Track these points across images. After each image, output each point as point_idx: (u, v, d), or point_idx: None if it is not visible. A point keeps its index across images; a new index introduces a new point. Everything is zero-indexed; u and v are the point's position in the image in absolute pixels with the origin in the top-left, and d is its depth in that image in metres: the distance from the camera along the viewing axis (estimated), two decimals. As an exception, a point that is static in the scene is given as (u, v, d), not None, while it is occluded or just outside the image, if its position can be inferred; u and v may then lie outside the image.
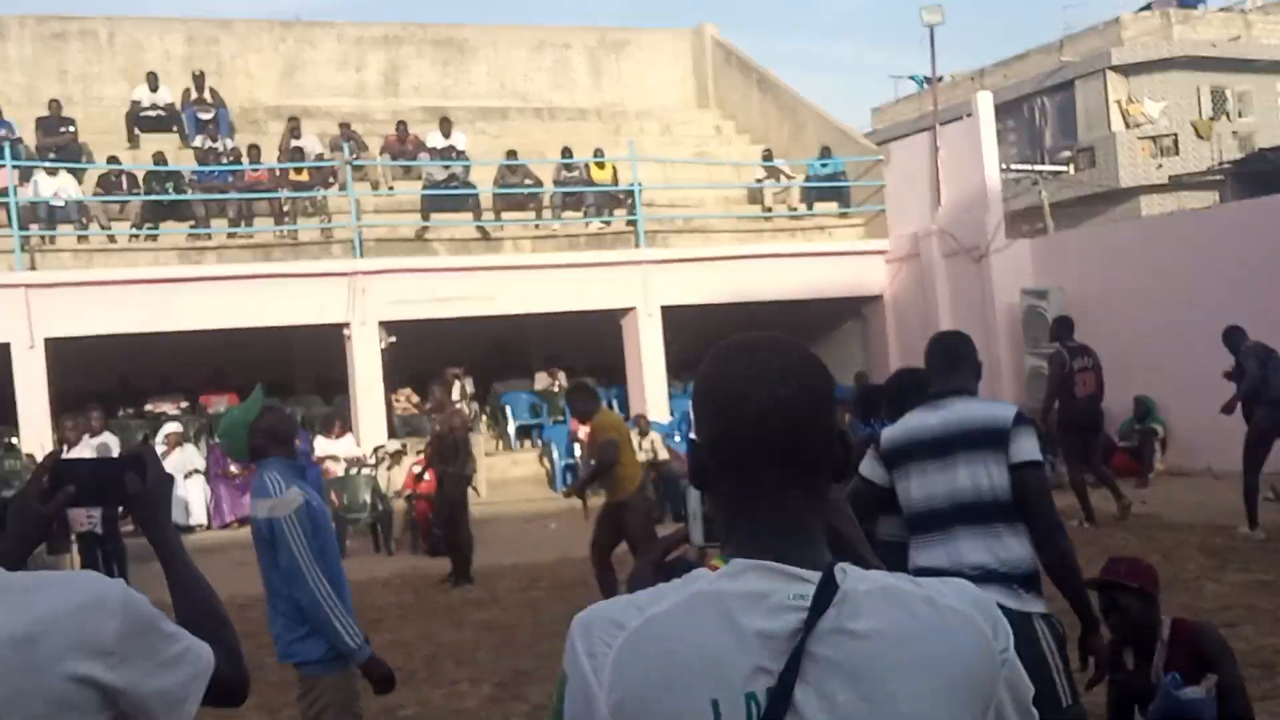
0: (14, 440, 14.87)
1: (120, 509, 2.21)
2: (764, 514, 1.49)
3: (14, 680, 1.66)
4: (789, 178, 18.83)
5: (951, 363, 3.95)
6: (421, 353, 16.21)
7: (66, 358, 14.87)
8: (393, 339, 15.85)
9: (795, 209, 18.62)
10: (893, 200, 18.02)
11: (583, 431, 15.89)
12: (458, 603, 10.01)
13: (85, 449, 11.01)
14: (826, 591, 1.41)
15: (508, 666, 7.65)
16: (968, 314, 16.04)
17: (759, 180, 18.72)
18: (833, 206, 18.69)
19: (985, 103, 17.06)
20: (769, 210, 18.60)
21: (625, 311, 16.86)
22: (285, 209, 16.50)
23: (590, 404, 9.31)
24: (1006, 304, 16.32)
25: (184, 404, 17.47)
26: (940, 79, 19.88)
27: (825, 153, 18.69)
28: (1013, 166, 25.33)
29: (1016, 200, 24.00)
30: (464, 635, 8.72)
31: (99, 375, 16.00)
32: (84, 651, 1.72)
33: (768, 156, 18.86)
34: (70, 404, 14.50)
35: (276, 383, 17.83)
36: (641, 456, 14.28)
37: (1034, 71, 29.92)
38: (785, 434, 1.48)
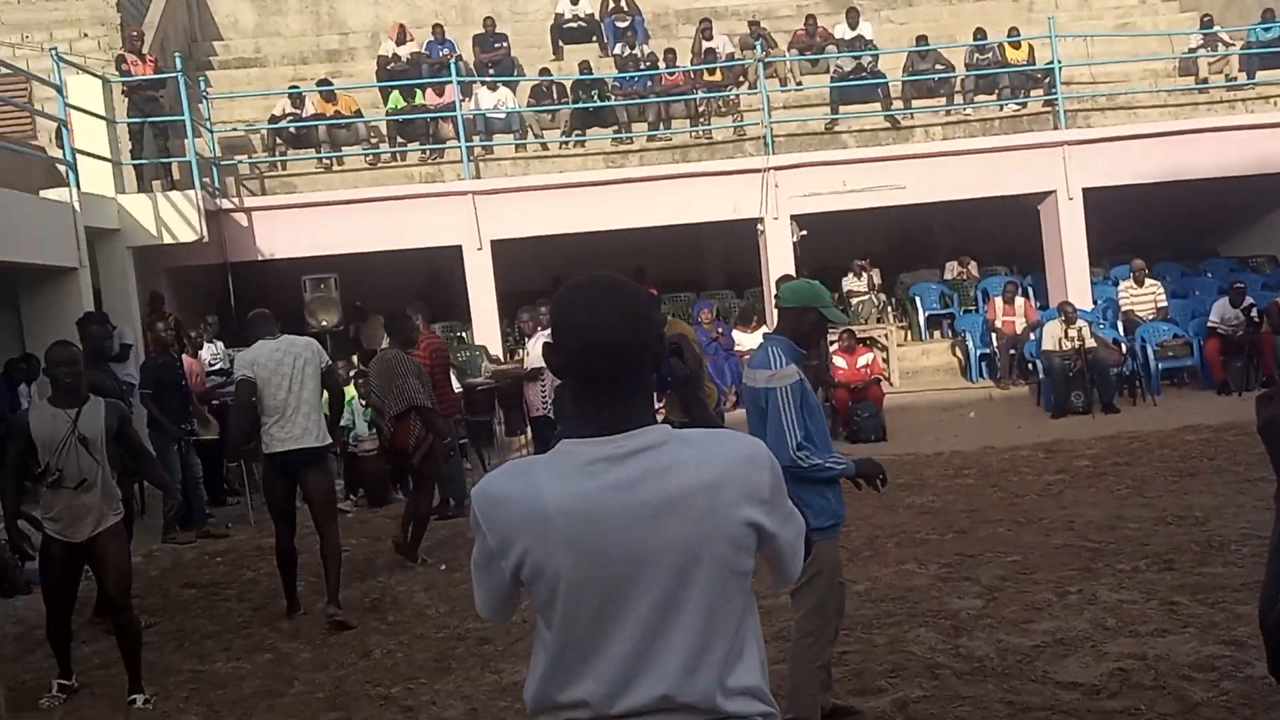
0: (464, 335, 16.38)
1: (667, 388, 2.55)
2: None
3: (706, 521, 2.00)
4: (1227, 45, 17.34)
5: None
6: (830, 244, 16.36)
7: (508, 257, 16.18)
8: (804, 232, 16.10)
9: (1234, 78, 17.16)
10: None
11: (1001, 319, 15.64)
12: (888, 487, 10.21)
13: (538, 339, 12.05)
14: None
15: (951, 549, 7.80)
16: None
17: (1191, 50, 17.37)
18: (1278, 74, 17.09)
19: None
20: (1204, 81, 17.25)
21: (1043, 196, 16.25)
22: (700, 110, 17.03)
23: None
24: None
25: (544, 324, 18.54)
26: None
27: (1268, 15, 17.07)
28: None
29: None
30: (900, 519, 8.94)
31: (535, 274, 17.27)
32: (751, 499, 2.05)
33: (1207, 23, 17.45)
34: (509, 301, 15.83)
35: (690, 278, 18.65)
36: (1068, 345, 13.91)
37: None
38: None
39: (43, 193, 12.59)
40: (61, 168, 13.02)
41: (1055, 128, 16.38)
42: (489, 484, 2.08)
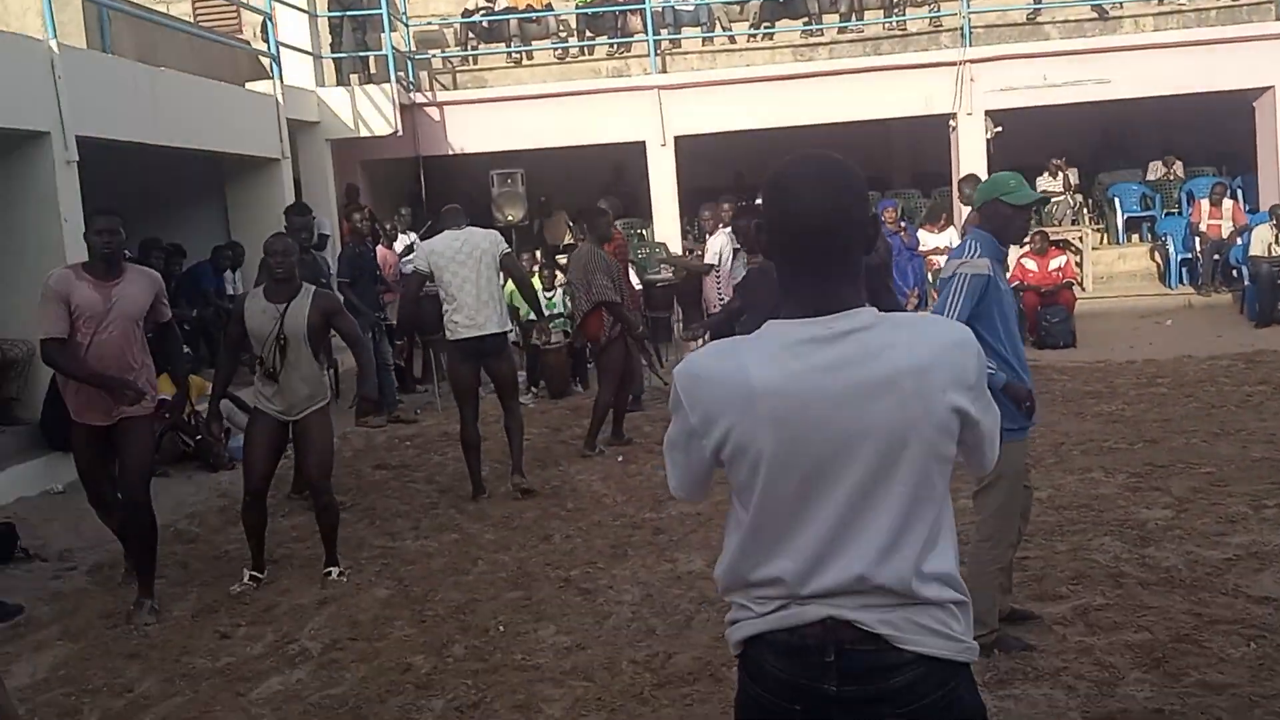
0: (643, 232, 16.44)
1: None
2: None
3: (914, 405, 1.98)
4: None
5: None
6: (1025, 142, 15.73)
7: (691, 154, 16.10)
8: (998, 128, 15.52)
9: None
10: None
11: (1206, 222, 14.85)
12: (1076, 394, 9.93)
13: (719, 236, 12.00)
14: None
15: (1140, 459, 7.55)
16: None
17: None
18: None
19: None
20: None
21: (1260, 92, 15.25)
22: (894, 0, 16.47)
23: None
24: None
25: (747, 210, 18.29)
26: None
27: None
28: None
29: None
30: (1087, 426, 8.68)
31: (717, 171, 17.15)
32: (958, 385, 2.01)
33: None
34: (691, 198, 15.77)
35: (875, 176, 18.21)
36: (1278, 250, 13.15)
37: None
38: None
39: (248, 85, 13.09)
40: (265, 60, 13.48)
41: (1277, 18, 15.29)
42: (694, 363, 2.09)
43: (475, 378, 7.85)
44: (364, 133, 14.56)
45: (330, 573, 6.32)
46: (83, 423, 5.90)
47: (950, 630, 2.03)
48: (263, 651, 5.36)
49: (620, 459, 8.75)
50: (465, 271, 7.64)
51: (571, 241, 16.09)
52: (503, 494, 7.89)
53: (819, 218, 1.99)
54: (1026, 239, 13.17)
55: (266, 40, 13.26)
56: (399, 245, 13.29)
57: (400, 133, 14.74)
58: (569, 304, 11.58)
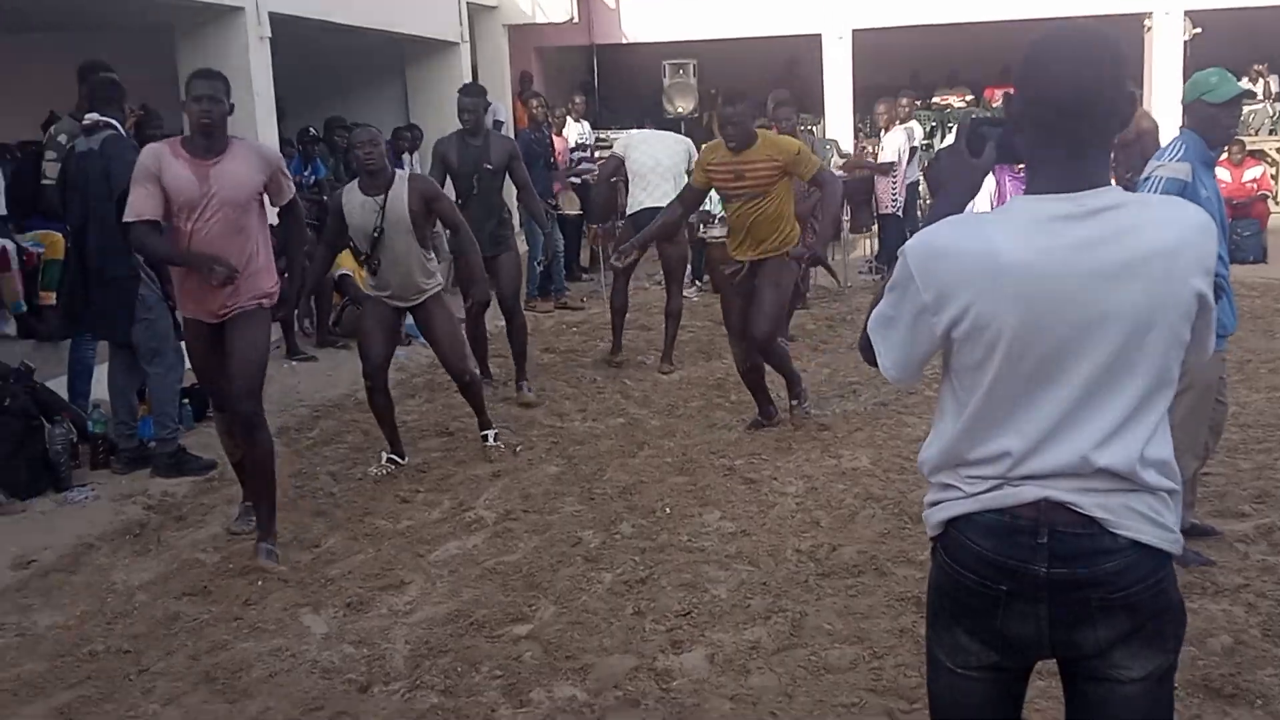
0: (814, 129, 16.15)
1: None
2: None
3: (1162, 288, 1.94)
4: None
5: None
6: (1225, 46, 14.86)
7: (867, 48, 15.70)
8: (1197, 29, 14.71)
9: None
10: None
11: None
12: (1265, 310, 9.51)
13: (896, 133, 11.74)
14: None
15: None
16: None
17: None
18: None
19: None
20: None
21: None
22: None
23: None
24: None
25: (969, 97, 17.77)
26: None
27: None
28: None
29: None
30: (1276, 344, 8.33)
31: (892, 67, 16.70)
32: (1200, 268, 1.97)
33: None
34: (864, 95, 15.40)
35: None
36: None
37: None
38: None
39: (429, -33, 13.20)
40: (446, -56, 13.56)
41: None
42: (932, 236, 2.04)
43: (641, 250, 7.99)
44: (541, 19, 14.59)
45: (486, 436, 6.57)
46: (190, 317, 5.18)
47: (1163, 518, 2.00)
48: (440, 517, 5.59)
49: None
50: (655, 151, 8.49)
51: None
52: (667, 382, 7.98)
53: (1080, 91, 1.93)
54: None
55: (449, -77, 13.31)
56: (570, 133, 13.35)
57: (576, 20, 14.73)
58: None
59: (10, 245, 7.44)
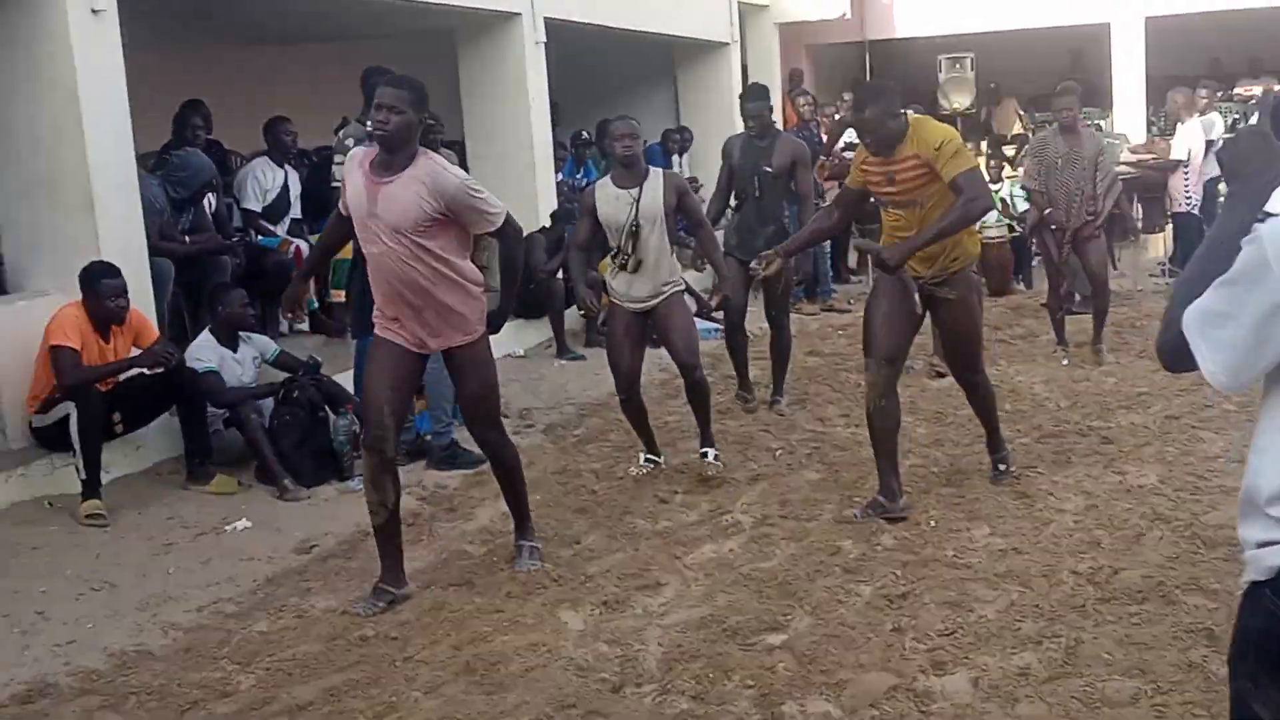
0: (1101, 123, 15.31)
1: None
2: None
3: None
4: None
5: None
6: None
7: (1160, 38, 14.76)
8: None
9: None
10: None
11: None
12: None
13: (1192, 127, 10.96)
14: None
15: None
16: None
17: None
18: None
19: None
20: None
21: None
22: None
23: None
24: None
25: (1276, 87, 16.45)
26: None
27: None
28: None
29: None
30: None
31: (1191, 58, 15.65)
32: None
33: None
34: (1156, 86, 14.48)
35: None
36: None
37: None
38: None
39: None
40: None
41: None
42: None
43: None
44: (813, 16, 14.41)
45: (705, 454, 6.14)
46: (384, 338, 4.69)
47: None
48: (698, 519, 5.55)
49: (1065, 362, 8.30)
50: None
51: (1021, 131, 15.29)
52: (935, 389, 7.69)
53: None
54: None
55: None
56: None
57: (849, 15, 14.48)
58: (1012, 199, 11.03)
59: (305, 246, 7.90)
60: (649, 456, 6.31)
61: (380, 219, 4.42)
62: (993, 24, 14.83)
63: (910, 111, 5.48)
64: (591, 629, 4.40)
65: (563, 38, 10.11)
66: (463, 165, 9.80)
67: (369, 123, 4.54)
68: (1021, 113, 15.62)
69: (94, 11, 6.17)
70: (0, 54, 6.12)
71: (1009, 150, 14.84)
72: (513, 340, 8.99)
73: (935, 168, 5.04)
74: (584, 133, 11.46)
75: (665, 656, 4.13)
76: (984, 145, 13.45)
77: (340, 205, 4.71)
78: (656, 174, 6.01)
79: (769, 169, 7.22)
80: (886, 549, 5.04)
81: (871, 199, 5.58)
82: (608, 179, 6.06)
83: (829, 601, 4.51)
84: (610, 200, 5.93)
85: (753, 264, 5.84)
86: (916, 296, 5.28)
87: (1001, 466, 5.81)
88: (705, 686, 3.89)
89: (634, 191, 5.87)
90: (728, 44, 13.06)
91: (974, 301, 5.53)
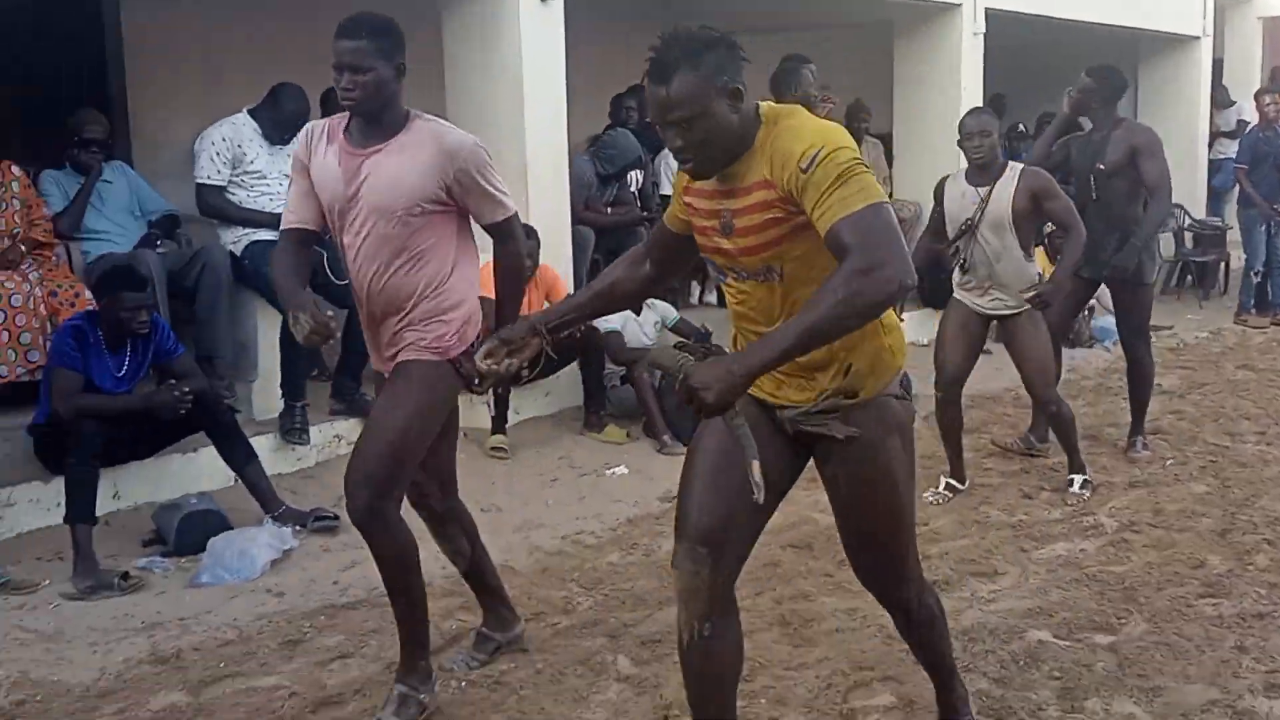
0: None
1: None
2: None
3: None
4: None
5: None
6: None
7: None
8: None
9: None
10: None
11: None
12: None
13: None
14: None
15: None
16: None
17: None
18: None
19: None
20: None
21: None
22: None
23: None
24: None
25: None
26: None
27: None
28: None
29: None
30: None
31: None
32: None
33: None
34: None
35: None
36: None
37: None
38: None
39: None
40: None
41: None
42: None
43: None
44: (1305, 8, 13.15)
45: (1073, 481, 5.68)
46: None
47: None
48: (1058, 518, 5.37)
49: None
50: None
51: None
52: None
53: None
54: None
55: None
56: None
57: (1347, 8, 13.06)
58: None
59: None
60: (950, 481, 5.75)
61: (362, 197, 3.36)
62: None
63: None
64: (910, 603, 4.41)
65: (1001, 29, 9.89)
66: (887, 156, 9.95)
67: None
68: None
69: (542, 1, 6.85)
70: (459, 39, 6.94)
71: None
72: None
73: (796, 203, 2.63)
74: (1020, 125, 11.15)
75: (976, 636, 4.09)
76: None
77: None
78: (1014, 172, 5.46)
79: (1102, 166, 6.16)
80: (1259, 569, 4.66)
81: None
82: (961, 173, 5.69)
83: (1170, 611, 4.26)
84: (957, 196, 5.57)
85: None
86: (756, 466, 2.57)
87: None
88: (1009, 671, 3.83)
89: (984, 190, 5.46)
90: (1198, 38, 12.17)
91: (893, 451, 2.89)
